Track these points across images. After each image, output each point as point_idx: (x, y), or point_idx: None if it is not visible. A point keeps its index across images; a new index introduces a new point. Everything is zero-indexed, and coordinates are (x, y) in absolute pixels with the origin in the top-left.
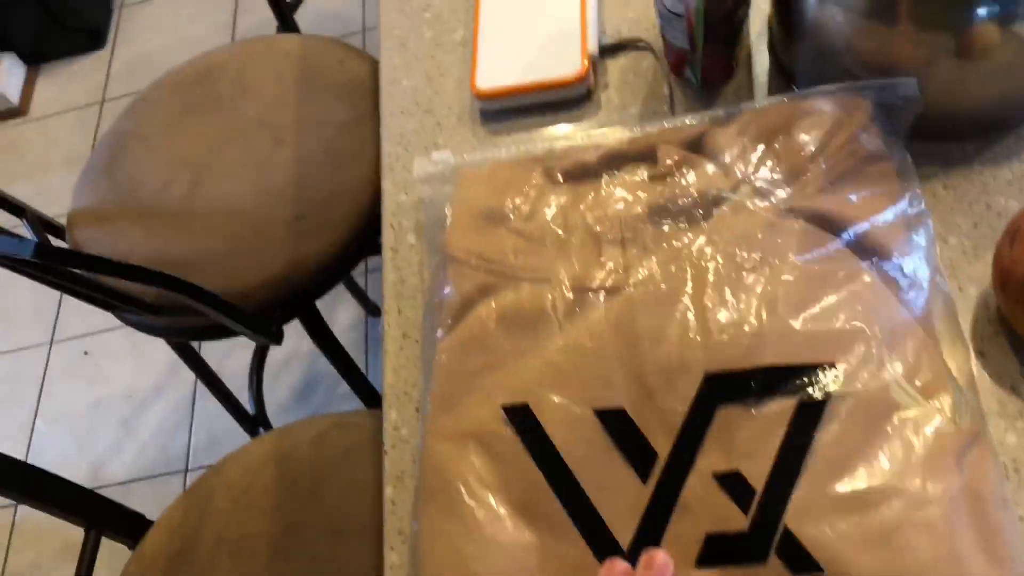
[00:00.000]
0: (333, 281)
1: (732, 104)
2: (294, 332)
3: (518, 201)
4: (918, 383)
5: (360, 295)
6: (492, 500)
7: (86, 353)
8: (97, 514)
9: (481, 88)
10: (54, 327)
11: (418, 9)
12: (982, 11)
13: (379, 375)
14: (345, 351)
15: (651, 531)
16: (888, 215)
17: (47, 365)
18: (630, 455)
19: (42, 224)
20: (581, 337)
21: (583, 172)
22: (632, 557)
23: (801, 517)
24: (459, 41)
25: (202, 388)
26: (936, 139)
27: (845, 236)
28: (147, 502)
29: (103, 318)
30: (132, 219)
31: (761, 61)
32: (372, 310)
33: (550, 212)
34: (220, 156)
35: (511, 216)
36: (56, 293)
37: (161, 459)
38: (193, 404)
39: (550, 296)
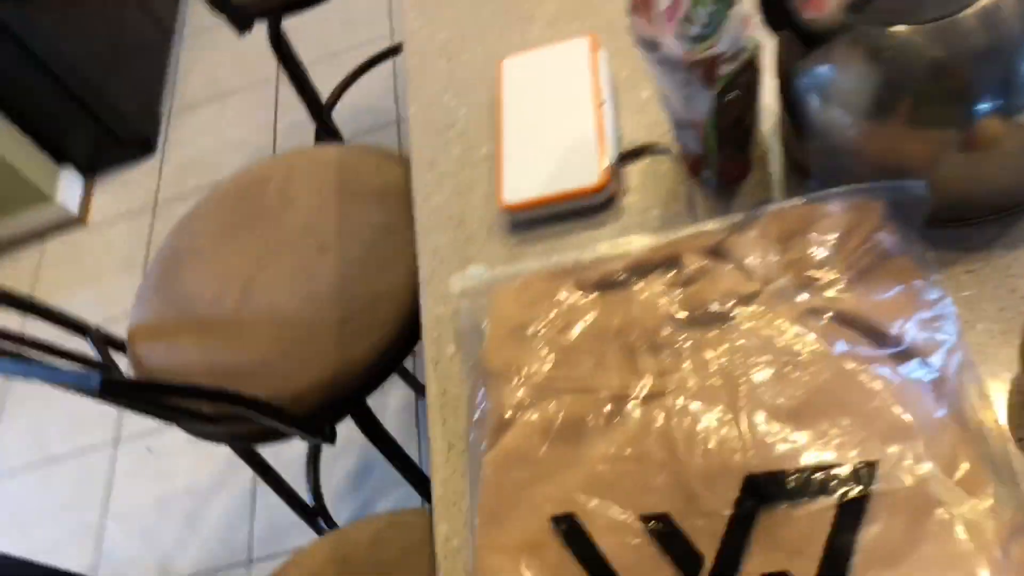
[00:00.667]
0: (380, 379)
1: (751, 201)
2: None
3: (552, 314)
4: (957, 477)
5: (408, 377)
6: None
7: (149, 450)
8: None
9: (507, 201)
10: (118, 427)
11: (444, 128)
12: (982, 107)
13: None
14: (398, 446)
15: None
16: (911, 310)
17: (113, 465)
18: (677, 560)
19: (105, 341)
20: (622, 445)
21: (612, 282)
22: None
23: None
24: (484, 156)
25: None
26: (955, 225)
27: (871, 334)
28: None
29: None
30: (187, 332)
31: (776, 158)
32: (420, 391)
33: (584, 323)
34: (268, 266)
35: (546, 329)
36: None
37: (224, 552)
38: (254, 496)
39: (590, 407)
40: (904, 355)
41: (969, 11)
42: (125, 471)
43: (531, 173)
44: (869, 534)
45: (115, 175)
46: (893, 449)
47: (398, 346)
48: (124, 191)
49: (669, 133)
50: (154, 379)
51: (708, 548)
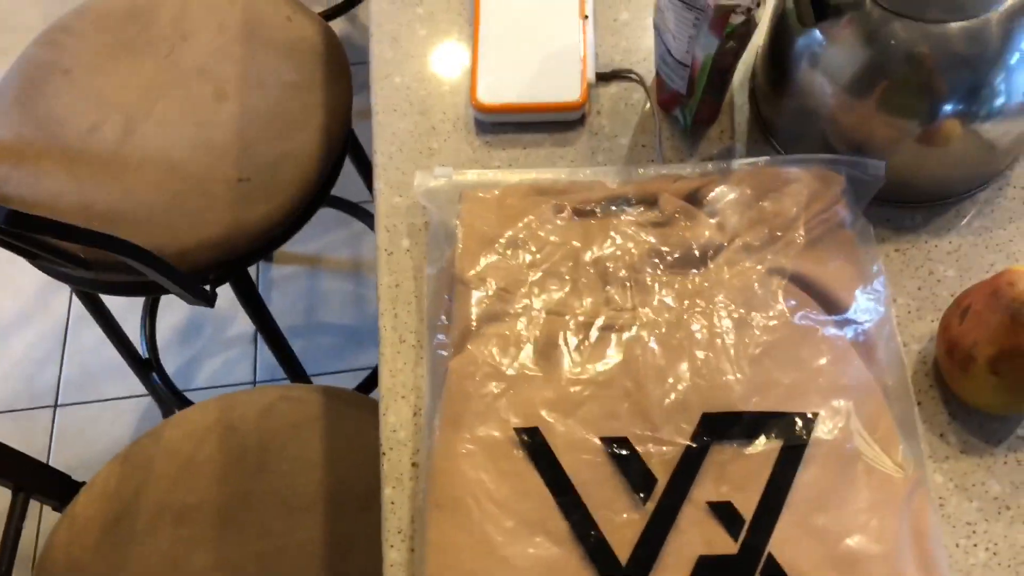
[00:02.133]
0: (272, 247)
1: (715, 146)
2: None
3: (528, 233)
4: (876, 435)
5: None
6: (500, 516)
7: None
8: (26, 475)
9: (482, 101)
10: None
11: (410, 4)
12: (947, 108)
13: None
14: (272, 318)
15: (648, 549)
16: (856, 281)
17: None
18: (632, 479)
19: None
20: (591, 371)
21: (591, 210)
22: (629, 572)
23: (782, 545)
24: (454, 45)
25: (76, 320)
26: (893, 205)
27: (821, 299)
28: (11, 437)
29: None
30: (56, 160)
31: (742, 109)
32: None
33: (561, 247)
34: (156, 104)
35: (523, 248)
36: None
37: (25, 392)
38: (64, 337)
39: (560, 328)
40: (846, 322)
41: (962, 23)
42: None
43: (509, 75)
44: (804, 477)
45: None
46: (831, 405)
47: (296, 215)
48: None
49: (644, 62)
50: (48, 216)
51: (661, 473)
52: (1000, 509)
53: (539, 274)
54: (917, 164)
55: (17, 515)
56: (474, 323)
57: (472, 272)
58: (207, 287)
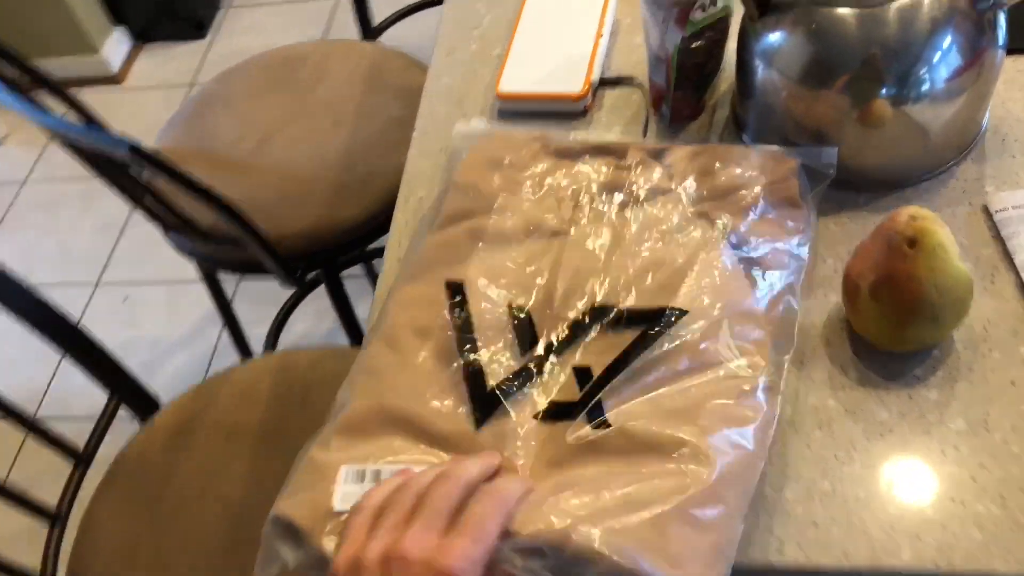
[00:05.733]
0: (355, 246)
1: (693, 139)
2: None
3: (514, 158)
4: (743, 348)
5: None
6: (417, 341)
7: (124, 300)
8: (122, 386)
9: (502, 90)
10: (102, 271)
11: (470, 27)
12: (879, 90)
13: None
14: (350, 305)
15: (514, 388)
16: (775, 244)
17: (89, 304)
18: (519, 336)
19: None
20: (522, 256)
21: (568, 152)
22: (492, 398)
23: (611, 396)
24: (496, 56)
25: (223, 347)
26: (839, 187)
27: (739, 246)
28: None
29: (148, 270)
30: (202, 163)
31: (723, 111)
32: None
33: (534, 171)
34: (287, 126)
35: (506, 167)
36: (109, 241)
37: None
38: (210, 361)
39: (511, 227)
40: (753, 265)
41: (890, 6)
42: (98, 312)
43: (527, 73)
44: (651, 355)
45: (161, 48)
46: (705, 312)
47: (378, 220)
48: (165, 64)
49: (646, 72)
50: (176, 167)
51: (544, 338)
52: (883, 432)
53: (512, 186)
54: (860, 147)
55: (108, 415)
56: (454, 214)
57: (464, 179)
58: (299, 271)
